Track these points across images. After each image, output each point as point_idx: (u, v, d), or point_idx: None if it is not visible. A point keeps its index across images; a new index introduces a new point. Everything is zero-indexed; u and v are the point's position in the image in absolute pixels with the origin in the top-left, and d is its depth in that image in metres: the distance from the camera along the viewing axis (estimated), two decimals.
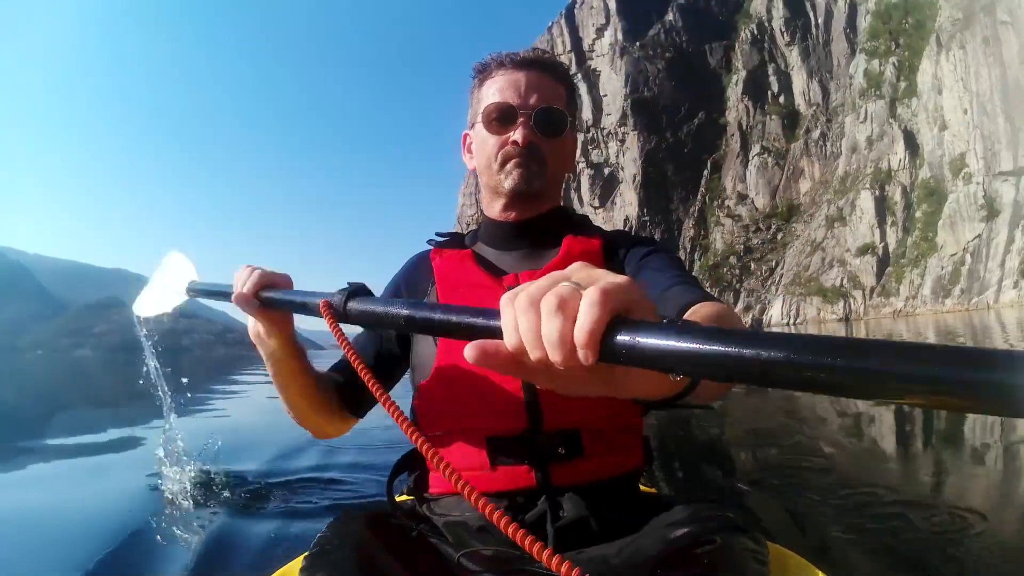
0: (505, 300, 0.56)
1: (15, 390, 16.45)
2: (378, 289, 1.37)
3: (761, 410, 5.96)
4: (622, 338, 0.49)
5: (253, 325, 1.21)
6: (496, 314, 0.59)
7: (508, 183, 1.30)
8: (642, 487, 1.39)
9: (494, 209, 1.38)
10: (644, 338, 0.48)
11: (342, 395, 1.36)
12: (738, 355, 0.44)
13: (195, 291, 1.40)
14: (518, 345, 0.54)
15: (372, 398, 1.22)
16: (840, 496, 2.95)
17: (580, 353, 0.49)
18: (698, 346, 0.46)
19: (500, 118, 1.29)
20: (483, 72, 1.37)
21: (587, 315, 0.49)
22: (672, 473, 3.67)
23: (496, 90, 1.31)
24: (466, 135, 1.43)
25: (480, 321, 0.62)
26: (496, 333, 0.58)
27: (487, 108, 1.30)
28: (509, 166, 1.30)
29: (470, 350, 0.55)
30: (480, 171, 1.38)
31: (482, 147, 1.34)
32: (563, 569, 0.48)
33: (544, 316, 0.51)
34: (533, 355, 0.53)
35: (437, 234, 1.46)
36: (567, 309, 0.50)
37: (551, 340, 0.51)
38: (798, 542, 2.22)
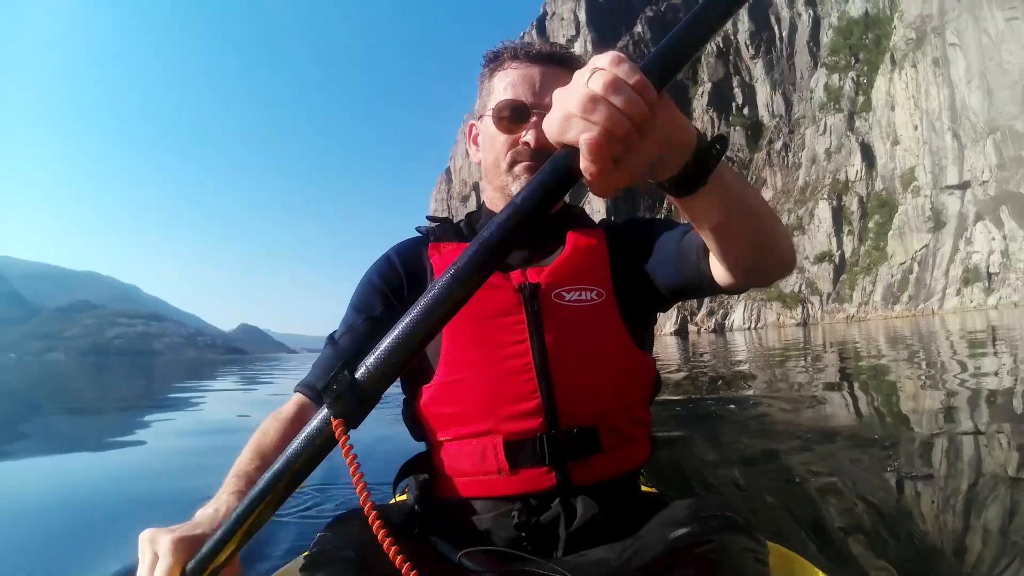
0: (570, 111, 0.62)
1: None
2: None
3: (762, 409, 5.94)
4: (653, 66, 0.61)
5: None
6: (564, 151, 0.65)
7: (516, 187, 1.23)
8: (643, 487, 1.38)
9: (499, 207, 1.30)
10: (664, 52, 0.61)
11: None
12: None
13: None
14: (609, 133, 0.60)
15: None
16: (841, 496, 2.91)
17: (648, 94, 0.60)
18: (689, 21, 0.61)
19: (512, 116, 1.22)
20: (495, 61, 1.28)
21: (623, 72, 0.60)
22: (672, 473, 3.62)
23: (508, 84, 1.23)
24: (472, 125, 1.35)
25: (554, 170, 0.65)
26: (573, 160, 0.63)
27: (499, 104, 1.22)
28: (518, 169, 1.23)
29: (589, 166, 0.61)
30: (486, 168, 1.30)
31: (490, 144, 1.27)
32: None
33: (612, 94, 0.60)
34: (622, 129, 0.60)
35: (429, 218, 1.39)
36: (618, 81, 0.60)
37: (629, 105, 0.60)
38: (798, 542, 2.32)
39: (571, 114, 0.61)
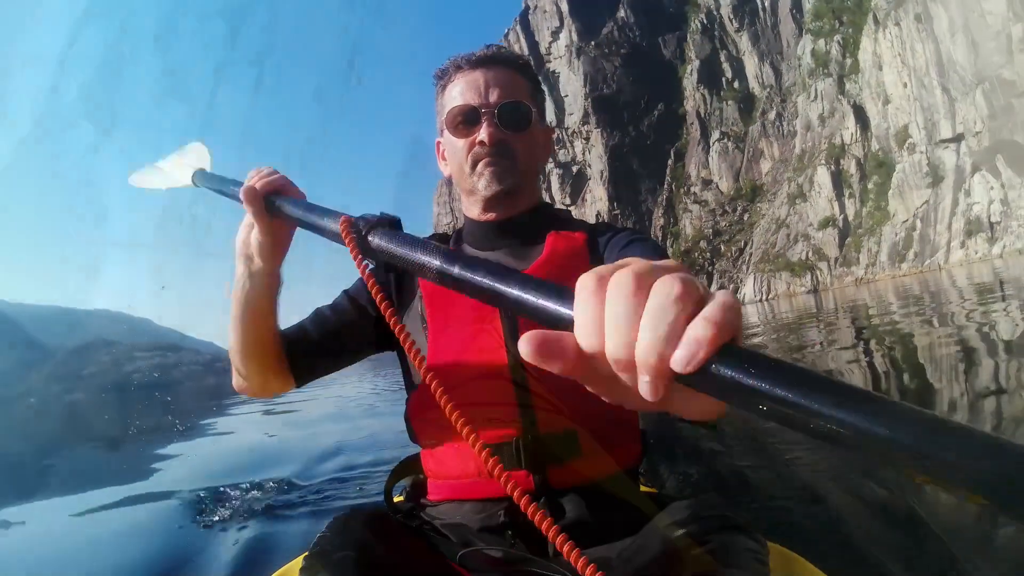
0: (590, 284, 0.43)
1: (20, 441, 15.36)
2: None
3: None
4: (723, 370, 0.39)
5: (245, 232, 1.14)
6: (568, 295, 0.46)
7: (482, 184, 1.28)
8: (642, 487, 1.38)
9: (474, 211, 1.36)
10: (746, 374, 0.38)
11: (292, 355, 1.29)
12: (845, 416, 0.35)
13: (201, 180, 1.36)
14: (597, 345, 0.42)
15: (322, 369, 1.35)
16: (841, 496, 2.85)
17: (679, 367, 0.39)
18: (804, 395, 0.36)
19: (464, 120, 1.27)
20: (443, 77, 1.35)
21: (704, 330, 0.39)
22: (672, 473, 3.60)
23: (458, 93, 1.29)
24: (438, 143, 1.40)
25: (540, 301, 0.48)
26: (560, 320, 0.46)
27: (450, 112, 1.28)
28: (480, 167, 1.28)
29: (525, 344, 0.43)
30: (455, 176, 1.36)
31: (453, 152, 1.32)
32: (580, 563, 0.44)
33: (654, 311, 0.40)
34: (616, 361, 0.41)
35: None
36: (686, 308, 0.40)
37: (651, 345, 0.39)
38: (798, 542, 2.02)
39: (604, 278, 0.43)
